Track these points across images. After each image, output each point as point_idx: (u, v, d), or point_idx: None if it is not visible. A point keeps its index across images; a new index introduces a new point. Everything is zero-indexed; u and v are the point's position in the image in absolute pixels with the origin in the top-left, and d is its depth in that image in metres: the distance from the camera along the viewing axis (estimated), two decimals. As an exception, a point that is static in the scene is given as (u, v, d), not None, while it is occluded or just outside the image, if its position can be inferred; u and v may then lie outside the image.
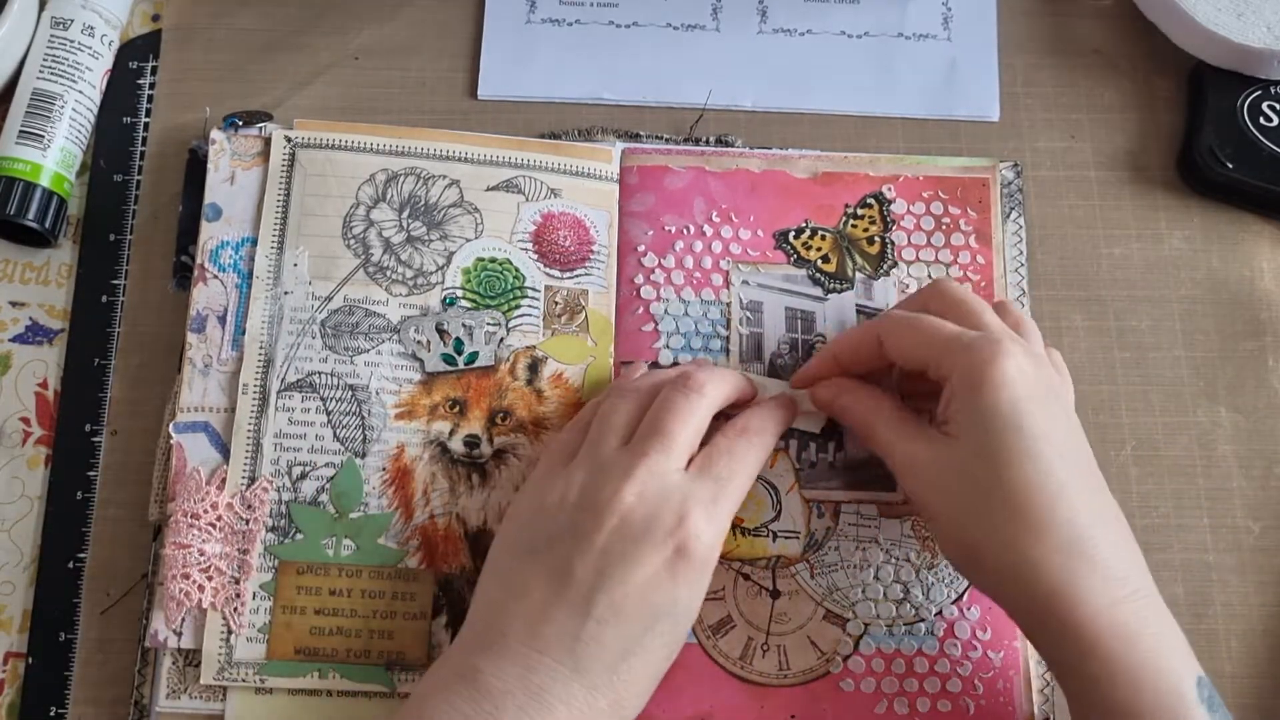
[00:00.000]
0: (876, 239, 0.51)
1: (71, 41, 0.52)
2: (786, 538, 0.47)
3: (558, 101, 0.54)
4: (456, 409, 0.48)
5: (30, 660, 0.46)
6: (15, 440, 0.49)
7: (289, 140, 0.51)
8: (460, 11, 0.56)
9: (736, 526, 0.47)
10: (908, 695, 0.45)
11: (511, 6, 0.55)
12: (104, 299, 0.51)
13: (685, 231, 0.51)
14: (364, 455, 0.47)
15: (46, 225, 0.50)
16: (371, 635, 0.45)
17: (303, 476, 0.47)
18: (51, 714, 0.46)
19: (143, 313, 0.50)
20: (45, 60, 0.52)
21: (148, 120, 0.53)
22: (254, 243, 0.49)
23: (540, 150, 0.51)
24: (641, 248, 0.50)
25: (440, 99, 0.54)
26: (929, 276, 0.50)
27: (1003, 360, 0.39)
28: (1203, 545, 0.49)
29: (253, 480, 0.46)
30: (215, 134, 0.51)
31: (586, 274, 0.50)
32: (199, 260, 0.49)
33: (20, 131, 0.50)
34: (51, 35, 0.52)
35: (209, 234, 0.49)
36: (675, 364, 0.49)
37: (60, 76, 0.51)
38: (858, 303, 0.50)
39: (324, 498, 0.46)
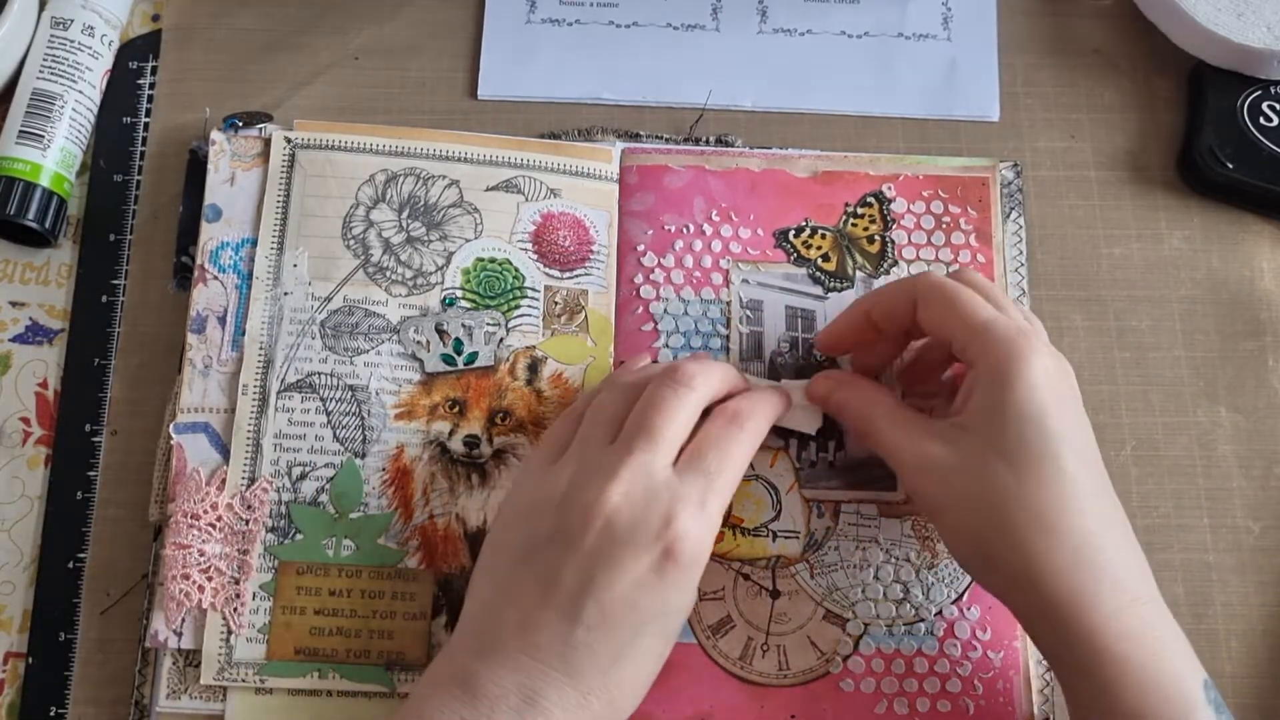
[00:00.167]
0: (876, 238, 0.51)
1: (71, 41, 0.52)
2: (786, 538, 0.47)
3: (558, 101, 0.54)
4: (456, 409, 0.48)
5: (30, 660, 0.46)
6: (15, 440, 0.49)
7: (289, 141, 0.51)
8: (460, 11, 0.56)
9: (736, 526, 0.47)
10: (908, 695, 0.45)
11: (511, 6, 0.55)
12: (104, 299, 0.51)
13: (685, 231, 0.51)
14: (364, 455, 0.47)
15: (46, 225, 0.50)
16: (371, 635, 0.45)
17: (302, 477, 0.47)
18: (51, 714, 0.46)
19: (143, 313, 0.50)
20: (45, 60, 0.52)
21: (148, 120, 0.53)
22: (254, 243, 0.49)
23: (540, 150, 0.51)
24: (641, 247, 0.50)
25: (440, 99, 0.54)
26: (924, 271, 0.50)
27: (1035, 359, 0.39)
28: (1203, 545, 0.49)
29: (253, 481, 0.46)
30: (215, 135, 0.51)
31: (586, 274, 0.50)
32: (199, 261, 0.49)
33: (20, 131, 0.50)
34: (51, 35, 0.52)
35: (209, 235, 0.49)
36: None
37: (60, 76, 0.51)
38: (858, 302, 0.50)
39: (324, 498, 0.46)
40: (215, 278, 0.49)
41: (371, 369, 0.48)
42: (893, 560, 0.46)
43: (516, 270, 0.50)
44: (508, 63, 0.54)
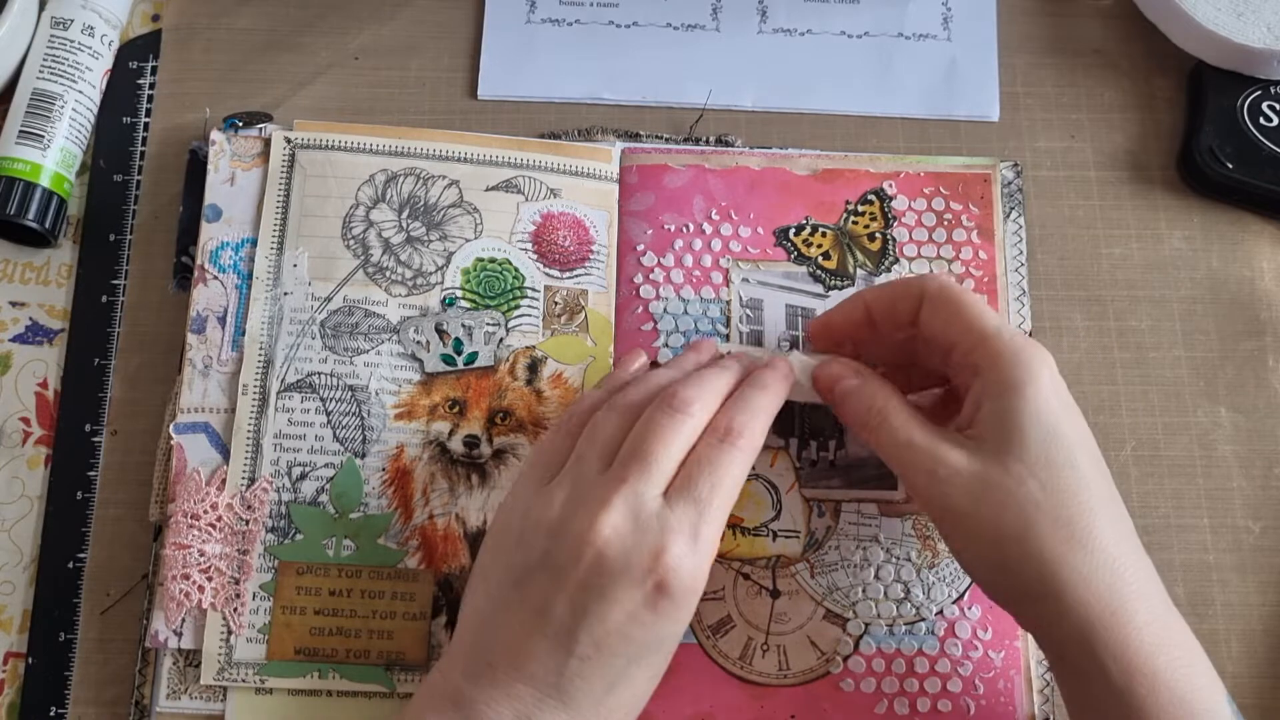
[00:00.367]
0: (877, 235, 0.51)
1: (71, 41, 0.52)
2: (786, 537, 0.47)
3: (558, 101, 0.54)
4: (456, 409, 0.48)
5: (30, 660, 0.46)
6: (15, 440, 0.49)
7: (289, 141, 0.51)
8: (460, 11, 0.56)
9: (736, 526, 0.47)
10: (908, 695, 0.45)
11: (511, 6, 0.55)
12: (104, 299, 0.51)
13: (685, 230, 0.51)
14: (364, 456, 0.47)
15: (46, 225, 0.50)
16: (371, 635, 0.45)
17: (302, 477, 0.47)
18: (51, 714, 0.46)
19: (143, 313, 0.50)
20: (45, 60, 0.52)
21: (148, 120, 0.53)
22: (254, 243, 0.49)
23: (540, 150, 0.51)
24: (641, 247, 0.50)
25: (440, 99, 0.54)
26: (930, 273, 0.50)
27: (1045, 368, 0.38)
28: (1203, 545, 0.49)
29: (253, 481, 0.46)
30: (215, 135, 0.51)
31: (586, 274, 0.50)
32: (199, 261, 0.49)
33: (20, 131, 0.50)
34: (51, 35, 0.52)
35: (209, 235, 0.49)
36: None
37: (60, 76, 0.51)
38: (858, 302, 0.50)
39: (324, 498, 0.46)
40: (215, 278, 0.49)
41: (371, 369, 0.48)
42: (893, 560, 0.46)
43: (516, 270, 0.50)
44: (508, 63, 0.54)
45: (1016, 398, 0.38)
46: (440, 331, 0.49)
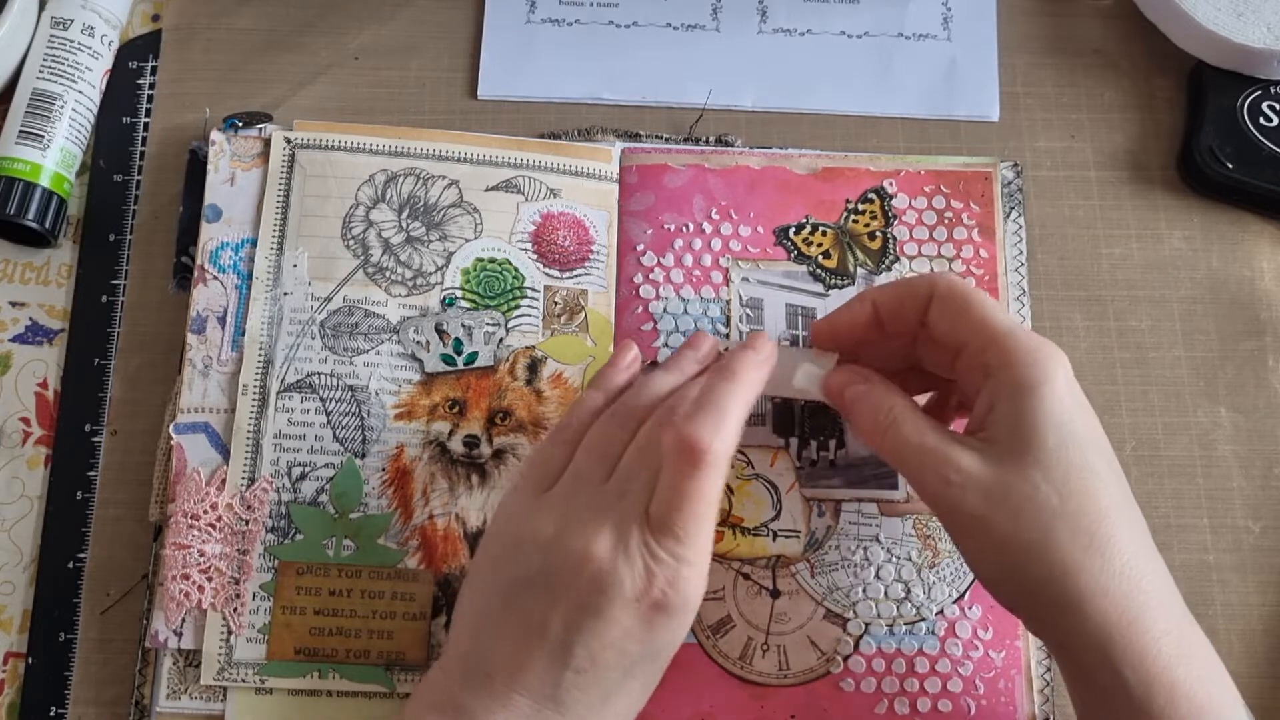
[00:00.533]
0: (878, 234, 0.51)
1: (71, 41, 0.52)
2: (787, 537, 0.47)
3: (558, 101, 0.54)
4: (456, 409, 0.48)
5: (30, 660, 0.46)
6: (15, 440, 0.49)
7: (289, 141, 0.51)
8: (460, 12, 0.56)
9: (736, 526, 0.47)
10: (908, 695, 0.45)
11: (511, 6, 0.55)
12: (104, 299, 0.51)
13: (684, 229, 0.51)
14: (363, 456, 0.47)
15: (46, 225, 0.50)
16: (371, 635, 0.45)
17: (302, 477, 0.47)
18: (51, 714, 0.46)
19: (143, 313, 0.50)
20: (45, 60, 0.52)
21: (148, 120, 0.53)
22: (254, 244, 0.49)
23: (540, 150, 0.51)
24: (641, 247, 0.50)
25: (440, 99, 0.54)
26: (931, 271, 0.50)
27: (1059, 368, 0.37)
28: (1203, 545, 0.49)
29: (252, 481, 0.46)
30: (215, 135, 0.51)
31: (586, 274, 0.50)
32: (199, 261, 0.49)
33: (20, 131, 0.50)
34: (51, 35, 0.52)
35: (209, 235, 0.49)
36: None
37: (60, 76, 0.51)
38: (858, 301, 0.50)
39: (324, 498, 0.46)
40: (215, 278, 0.49)
41: (371, 369, 0.48)
42: (894, 559, 0.46)
43: (516, 270, 0.50)
44: (508, 63, 0.54)
45: (1031, 399, 0.37)
46: (440, 331, 0.49)
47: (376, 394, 0.48)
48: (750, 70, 0.54)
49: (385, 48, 0.55)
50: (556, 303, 0.50)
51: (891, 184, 0.51)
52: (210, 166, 0.50)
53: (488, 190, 0.51)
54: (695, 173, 0.51)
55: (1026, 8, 0.56)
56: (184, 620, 0.45)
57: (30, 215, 0.50)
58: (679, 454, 0.37)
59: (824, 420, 0.48)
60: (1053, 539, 0.36)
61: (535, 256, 0.50)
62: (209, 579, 0.45)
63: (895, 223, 0.51)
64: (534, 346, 0.49)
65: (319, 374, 0.48)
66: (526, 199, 0.51)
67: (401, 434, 0.47)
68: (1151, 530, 0.48)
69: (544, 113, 0.54)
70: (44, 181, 0.50)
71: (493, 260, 0.50)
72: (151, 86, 0.54)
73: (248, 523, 0.46)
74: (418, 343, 0.48)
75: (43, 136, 0.50)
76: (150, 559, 0.47)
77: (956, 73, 0.55)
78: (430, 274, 0.49)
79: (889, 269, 0.50)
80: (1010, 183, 0.52)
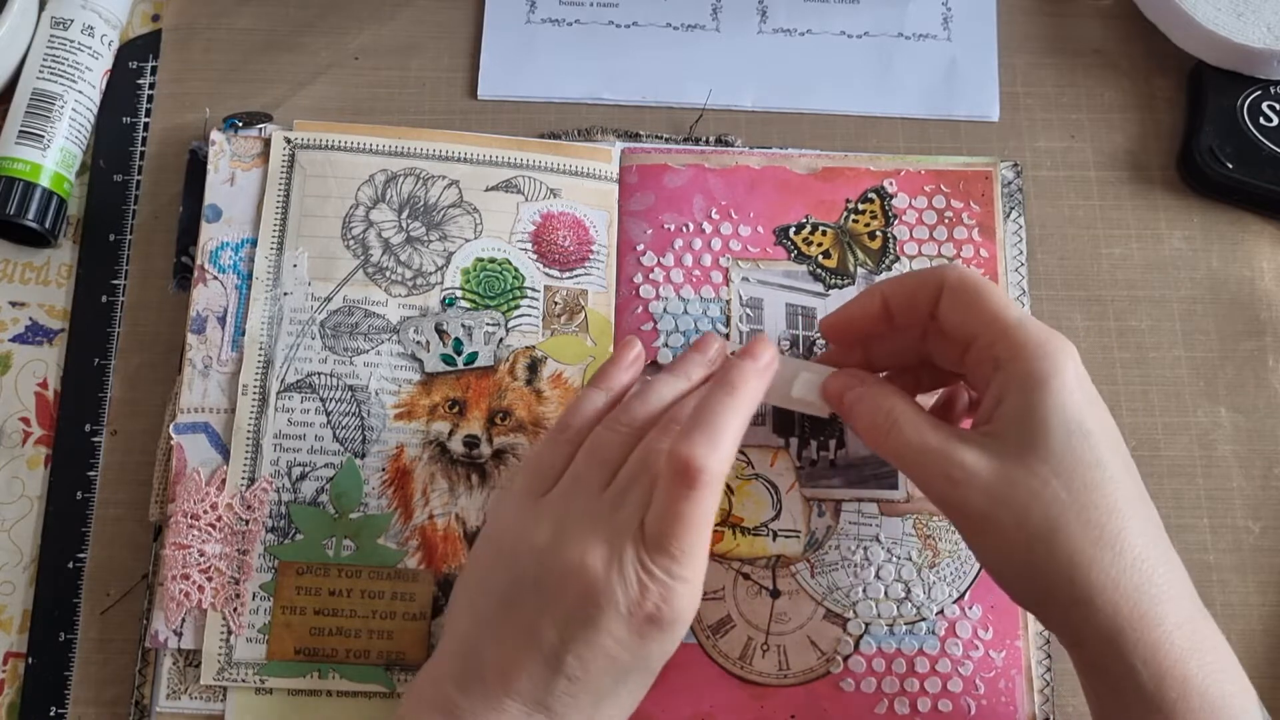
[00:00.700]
0: (878, 234, 0.51)
1: (71, 41, 0.52)
2: (787, 537, 0.47)
3: (558, 101, 0.54)
4: (456, 409, 0.48)
5: (30, 660, 0.46)
6: (15, 440, 0.49)
7: (288, 141, 0.51)
8: (460, 12, 0.56)
9: (736, 526, 0.47)
10: (908, 695, 0.45)
11: (511, 6, 0.55)
12: (104, 299, 0.51)
13: (684, 229, 0.51)
14: (363, 456, 0.47)
15: (46, 225, 0.50)
16: (371, 635, 0.45)
17: (302, 477, 0.47)
18: (51, 714, 0.46)
19: (143, 313, 0.50)
20: (45, 60, 0.52)
21: (148, 120, 0.53)
22: (254, 244, 0.49)
23: (540, 150, 0.51)
24: (641, 247, 0.50)
25: (440, 99, 0.54)
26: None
27: (1070, 361, 0.37)
28: (1203, 545, 0.49)
29: (252, 481, 0.46)
30: (215, 135, 0.51)
31: (586, 274, 0.50)
32: (199, 261, 0.49)
33: (20, 131, 0.50)
34: (51, 35, 0.52)
35: (209, 235, 0.49)
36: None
37: (60, 76, 0.51)
38: (858, 301, 0.50)
39: (324, 498, 0.46)
40: (215, 278, 0.49)
41: (371, 369, 0.48)
42: (894, 559, 0.46)
43: (516, 270, 0.50)
44: (508, 63, 0.54)
45: (1041, 391, 0.37)
46: (440, 331, 0.49)
47: (376, 394, 0.48)
48: (750, 70, 0.54)
49: (385, 48, 0.55)
50: (556, 303, 0.50)
51: (891, 184, 0.51)
52: (210, 166, 0.50)
53: (488, 190, 0.51)
54: (695, 173, 0.51)
55: (1026, 8, 0.56)
56: (184, 620, 0.45)
57: (30, 215, 0.50)
58: (674, 474, 0.37)
59: (824, 421, 0.48)
60: (1062, 534, 0.36)
61: (535, 256, 0.50)
62: (209, 579, 0.45)
63: (895, 222, 0.51)
64: (534, 346, 0.49)
65: (319, 374, 0.48)
66: (526, 199, 0.51)
67: (401, 434, 0.47)
68: (1152, 530, 0.48)
69: (544, 113, 0.54)
70: (44, 181, 0.50)
71: (493, 260, 0.50)
72: (151, 86, 0.54)
73: (248, 523, 0.46)
74: (418, 343, 0.48)
75: (43, 136, 0.50)
76: (150, 559, 0.47)
77: (956, 73, 0.55)
78: (430, 274, 0.49)
79: (889, 269, 0.50)
80: (1010, 183, 0.52)
